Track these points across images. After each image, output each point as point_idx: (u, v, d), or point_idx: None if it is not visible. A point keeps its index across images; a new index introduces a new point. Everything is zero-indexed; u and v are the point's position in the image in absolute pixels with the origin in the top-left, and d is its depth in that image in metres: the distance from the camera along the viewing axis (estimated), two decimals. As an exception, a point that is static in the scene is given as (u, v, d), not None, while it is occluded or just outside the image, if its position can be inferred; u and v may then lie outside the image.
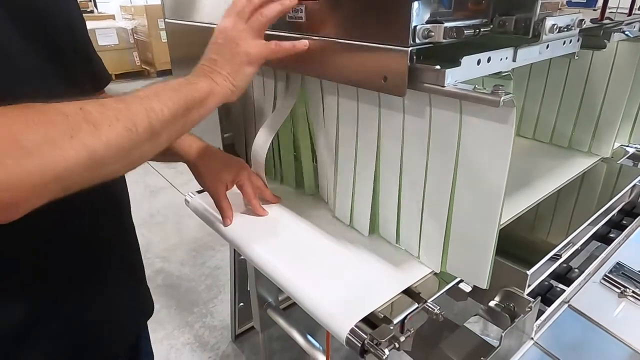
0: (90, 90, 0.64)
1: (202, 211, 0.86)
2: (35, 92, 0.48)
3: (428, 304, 0.58)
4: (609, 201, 0.84)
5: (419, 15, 0.48)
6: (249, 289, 1.25)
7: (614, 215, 0.88)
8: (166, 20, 0.96)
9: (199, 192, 0.91)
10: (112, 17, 6.06)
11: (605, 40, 0.70)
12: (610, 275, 0.78)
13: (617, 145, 1.04)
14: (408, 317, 0.56)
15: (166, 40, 1.00)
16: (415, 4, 0.47)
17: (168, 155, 0.78)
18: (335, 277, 0.66)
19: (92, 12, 6.63)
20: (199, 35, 0.85)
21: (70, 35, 0.56)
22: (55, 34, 0.53)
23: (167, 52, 1.02)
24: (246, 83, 0.57)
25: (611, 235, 0.89)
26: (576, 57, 0.68)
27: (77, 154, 0.37)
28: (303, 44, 0.60)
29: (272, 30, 0.66)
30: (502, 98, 0.43)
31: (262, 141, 0.80)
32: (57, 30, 0.53)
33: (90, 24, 5.61)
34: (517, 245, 0.72)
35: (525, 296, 0.64)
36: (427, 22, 0.49)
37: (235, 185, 0.81)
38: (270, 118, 0.80)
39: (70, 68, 0.55)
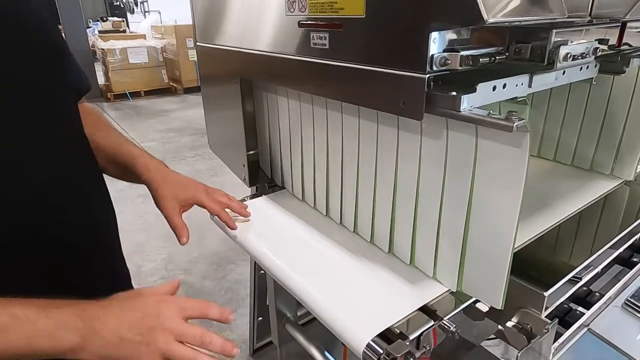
0: (67, 99, 0.64)
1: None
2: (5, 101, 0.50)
3: (444, 321, 0.60)
4: (631, 224, 0.83)
5: (436, 44, 0.50)
6: (268, 303, 1.28)
7: (637, 239, 0.87)
8: (197, 43, 1.01)
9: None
10: (143, 36, 6.33)
11: (624, 66, 0.71)
12: (632, 300, 0.77)
13: (640, 168, 1.03)
14: (424, 333, 0.58)
15: (193, 59, 1.08)
16: (433, 34, 0.49)
17: (128, 176, 0.78)
18: (353, 292, 0.68)
19: (124, 31, 6.93)
20: (224, 56, 0.91)
21: (51, 45, 0.58)
22: (37, 45, 0.55)
23: (194, 70, 1.09)
24: None
25: (634, 260, 0.88)
26: (594, 82, 0.69)
27: None
28: None
29: (297, 55, 0.70)
30: (515, 124, 0.45)
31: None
32: (37, 39, 0.55)
33: (122, 43, 5.87)
34: (536, 266, 0.72)
35: (543, 318, 0.64)
36: (444, 51, 0.51)
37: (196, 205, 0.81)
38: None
39: (58, 79, 0.57)
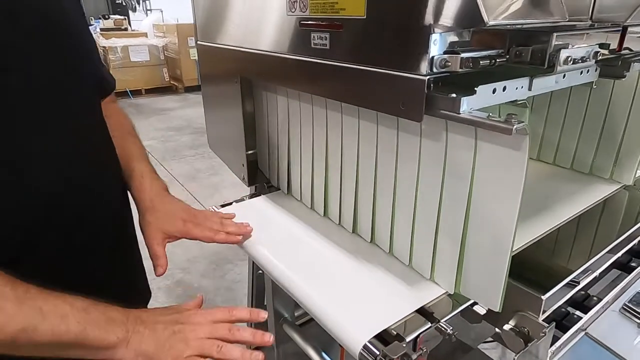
0: (95, 97, 0.66)
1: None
2: (36, 98, 0.52)
3: (441, 323, 0.59)
4: (630, 229, 0.83)
5: (436, 46, 0.50)
6: (265, 303, 1.27)
7: (635, 244, 0.87)
8: (198, 42, 1.01)
9: (222, 206, 0.95)
10: (145, 34, 6.32)
11: (625, 71, 0.71)
12: (629, 305, 0.77)
13: (639, 173, 1.03)
14: (421, 335, 0.58)
15: (194, 58, 1.08)
16: (434, 36, 0.49)
17: (127, 188, 0.76)
18: (350, 293, 0.68)
19: (125, 29, 6.91)
20: (225, 55, 0.91)
21: (78, 43, 0.59)
22: (63, 42, 0.56)
23: (195, 69, 1.09)
24: None
25: (632, 264, 0.88)
26: (594, 87, 0.69)
27: None
28: None
29: (298, 54, 0.70)
30: (514, 126, 0.45)
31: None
32: (64, 38, 0.56)
33: (123, 41, 5.86)
34: (534, 269, 0.72)
35: (540, 321, 0.64)
36: (445, 52, 0.51)
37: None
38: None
39: (76, 75, 0.59)
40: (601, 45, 0.65)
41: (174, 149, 3.92)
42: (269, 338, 0.58)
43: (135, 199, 0.74)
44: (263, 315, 0.62)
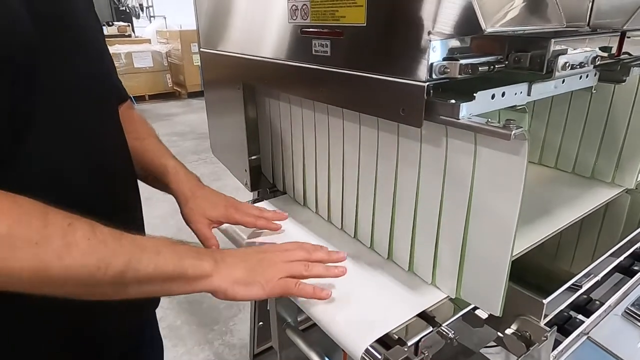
0: (112, 104, 0.67)
1: (228, 230, 0.90)
2: (57, 106, 0.52)
3: (442, 328, 0.60)
4: (632, 232, 0.83)
5: (435, 53, 0.51)
6: (268, 308, 1.27)
7: (637, 247, 0.87)
8: (201, 49, 1.02)
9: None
10: (148, 41, 6.36)
11: (624, 76, 0.71)
12: (632, 309, 0.77)
13: (641, 176, 1.03)
14: (422, 339, 0.58)
15: (197, 64, 1.09)
16: (433, 43, 0.50)
17: (157, 186, 0.79)
18: (352, 298, 0.68)
19: (129, 36, 6.96)
20: (227, 62, 0.92)
21: (92, 49, 0.60)
22: (77, 48, 0.56)
23: (198, 74, 1.10)
24: (239, 298, 0.55)
25: (635, 268, 0.87)
26: (594, 91, 0.70)
27: (27, 264, 0.37)
28: (325, 293, 0.60)
29: (299, 62, 0.70)
30: (513, 132, 0.46)
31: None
32: (78, 43, 0.56)
33: (127, 48, 5.89)
34: (536, 273, 0.72)
35: (542, 325, 0.64)
36: (444, 59, 0.52)
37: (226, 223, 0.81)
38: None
39: (93, 83, 0.59)
40: (603, 48, 0.66)
41: (177, 154, 3.84)
42: (343, 254, 0.67)
43: (174, 192, 0.78)
44: (326, 249, 0.69)
